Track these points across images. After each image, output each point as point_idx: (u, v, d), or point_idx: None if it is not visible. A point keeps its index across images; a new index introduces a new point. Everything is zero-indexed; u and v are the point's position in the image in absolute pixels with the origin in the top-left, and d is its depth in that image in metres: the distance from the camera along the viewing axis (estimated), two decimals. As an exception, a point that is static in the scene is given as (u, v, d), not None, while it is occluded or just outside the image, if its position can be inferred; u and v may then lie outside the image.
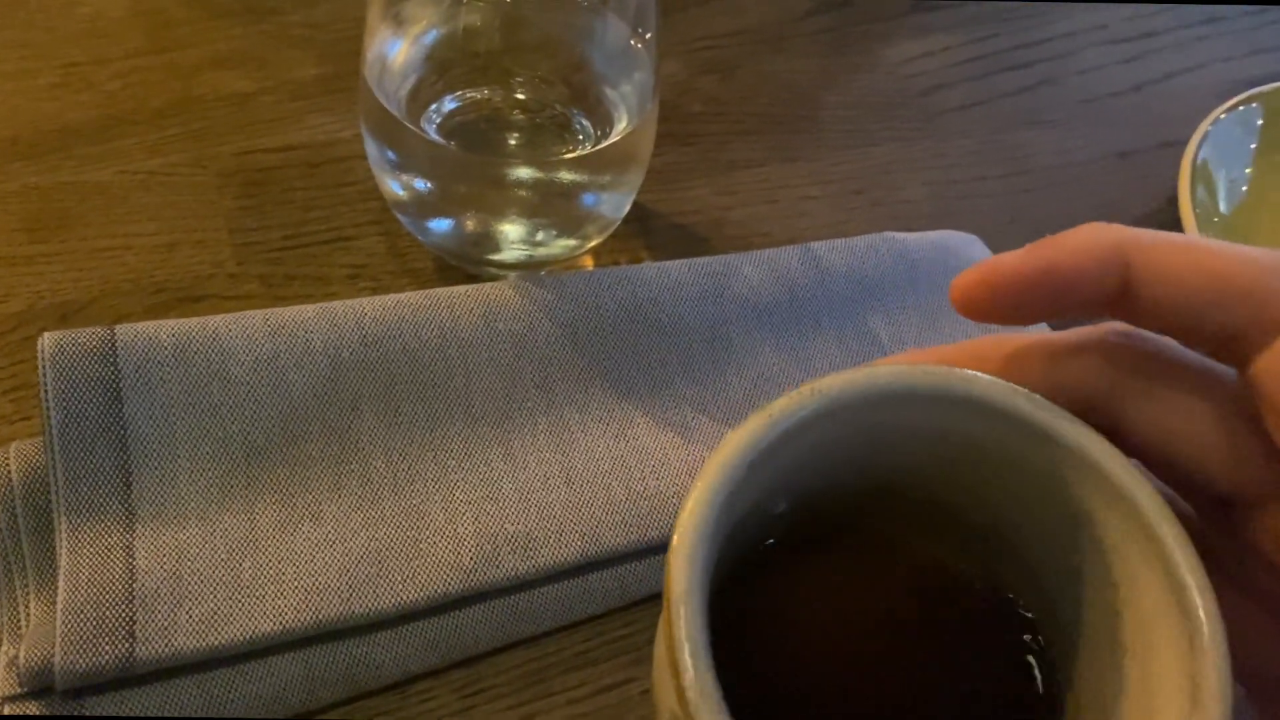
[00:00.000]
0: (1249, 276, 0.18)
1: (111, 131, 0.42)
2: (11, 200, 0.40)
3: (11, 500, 0.30)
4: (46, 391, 0.30)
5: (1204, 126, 0.44)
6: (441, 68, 0.37)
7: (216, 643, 0.28)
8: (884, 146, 0.48)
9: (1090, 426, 0.20)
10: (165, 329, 0.32)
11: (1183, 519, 0.19)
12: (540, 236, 0.38)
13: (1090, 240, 0.19)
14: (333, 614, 0.29)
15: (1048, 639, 0.22)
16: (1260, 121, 0.45)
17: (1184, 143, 0.45)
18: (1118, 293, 0.19)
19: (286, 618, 0.29)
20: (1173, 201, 0.44)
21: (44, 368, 0.30)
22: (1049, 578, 0.22)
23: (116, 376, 0.30)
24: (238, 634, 0.28)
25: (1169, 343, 0.20)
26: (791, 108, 0.49)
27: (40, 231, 0.39)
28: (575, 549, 0.32)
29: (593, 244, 0.40)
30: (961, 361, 0.21)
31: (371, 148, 0.37)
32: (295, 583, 0.29)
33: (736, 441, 0.19)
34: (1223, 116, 0.45)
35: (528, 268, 0.39)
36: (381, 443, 0.32)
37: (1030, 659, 0.22)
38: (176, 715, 0.28)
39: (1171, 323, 0.19)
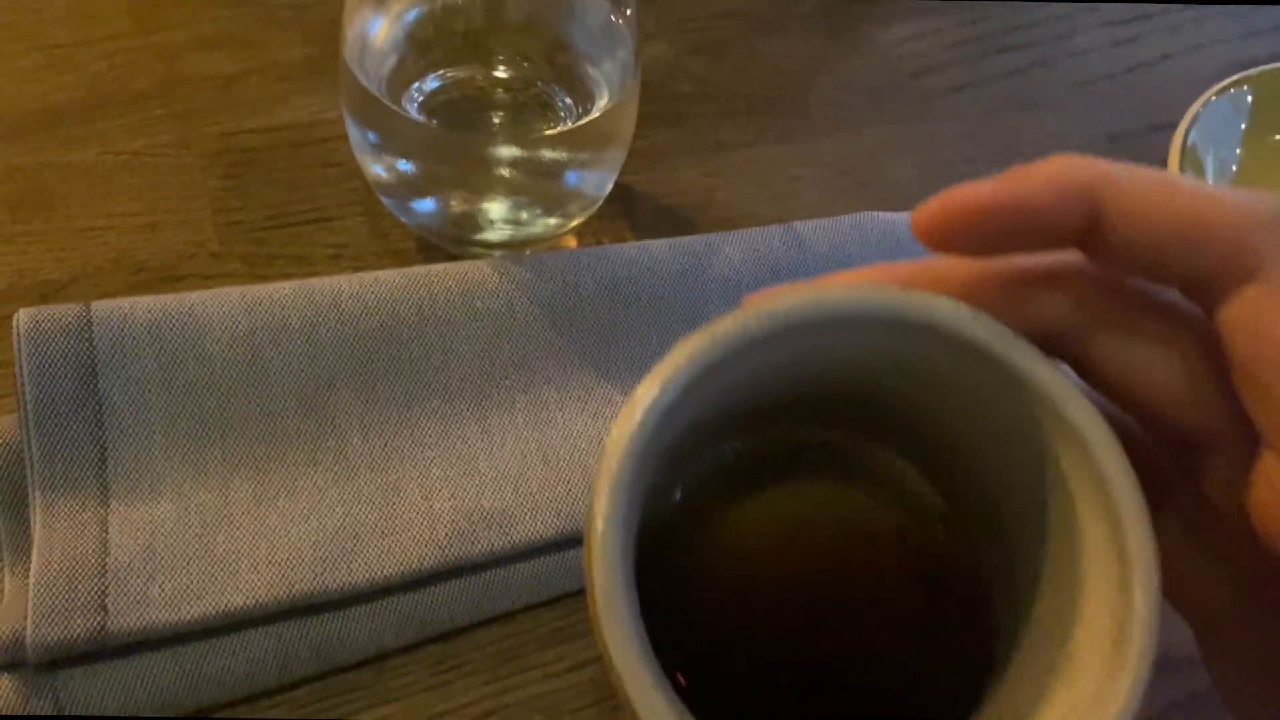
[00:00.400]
0: (1222, 220, 0.18)
1: (96, 112, 0.42)
2: (-5, 180, 0.40)
3: (-13, 475, 0.30)
4: (21, 367, 0.30)
5: (1194, 109, 0.44)
6: (423, 47, 0.37)
7: (189, 616, 0.28)
8: (874, 128, 0.48)
9: (1047, 358, 0.19)
10: (141, 305, 0.32)
11: (1142, 450, 0.19)
12: (523, 215, 0.38)
13: (1060, 174, 0.19)
14: (306, 588, 0.29)
15: (996, 569, 0.22)
16: (1250, 104, 0.45)
17: (1175, 126, 0.45)
18: (1085, 230, 0.19)
19: (260, 592, 0.29)
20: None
21: (19, 343, 0.30)
22: (998, 504, 0.22)
23: (92, 352, 0.30)
24: (210, 608, 0.28)
25: (1135, 280, 0.20)
26: (781, 89, 0.49)
27: (23, 211, 0.39)
28: (551, 526, 0.31)
29: (575, 223, 0.40)
30: (922, 281, 0.20)
31: (353, 129, 0.37)
32: (269, 557, 0.29)
33: (673, 360, 0.18)
34: (1213, 99, 0.45)
35: (511, 247, 0.39)
36: (358, 420, 0.32)
37: (978, 592, 0.22)
38: (149, 688, 0.28)
39: (1139, 263, 0.19)
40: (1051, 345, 0.20)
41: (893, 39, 0.52)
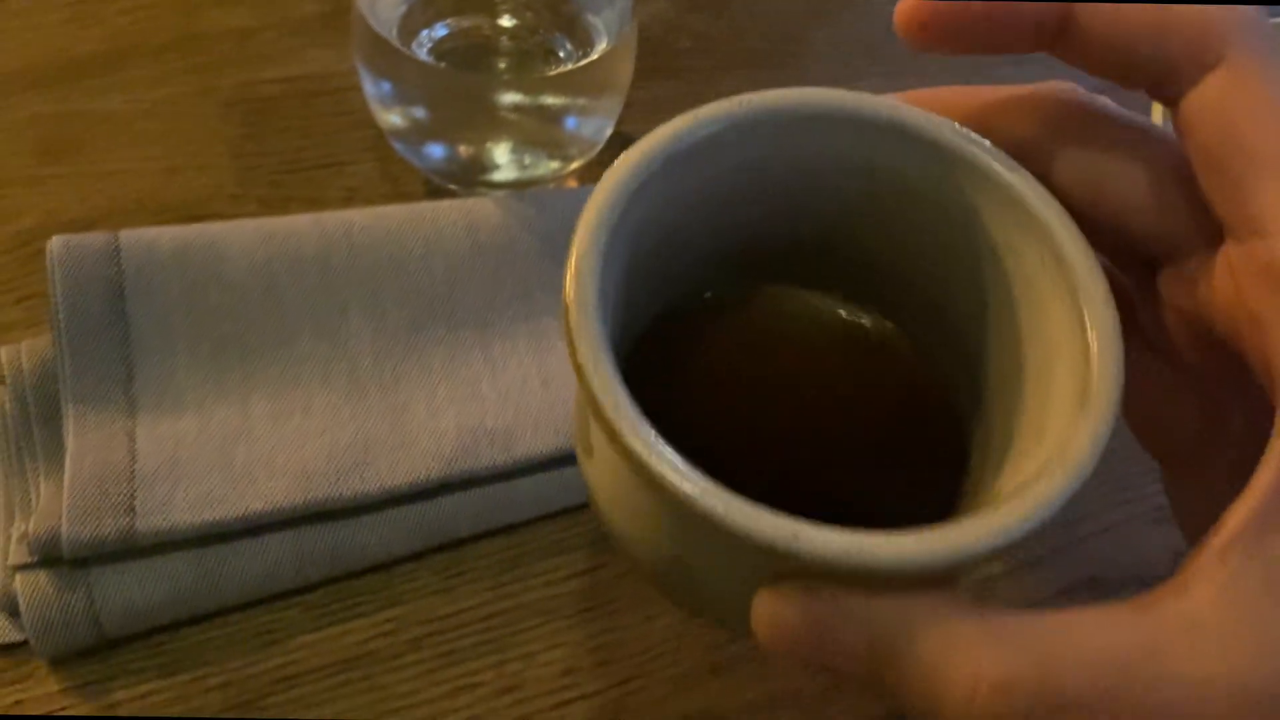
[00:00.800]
0: (1185, 11, 0.18)
1: (118, 64, 0.44)
2: (24, 126, 0.42)
3: (23, 391, 0.32)
4: (55, 290, 0.32)
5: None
6: (429, -5, 0.39)
7: (211, 519, 0.30)
8: (869, 81, 0.49)
9: (1011, 158, 0.20)
10: (166, 234, 0.34)
11: (1108, 276, 0.19)
12: (526, 159, 0.40)
13: None
14: (320, 496, 0.31)
15: (959, 381, 0.23)
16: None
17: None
18: (1058, 22, 0.19)
19: (277, 498, 0.31)
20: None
21: (52, 267, 0.32)
22: (962, 317, 0.22)
23: (120, 276, 0.32)
24: (231, 511, 0.30)
25: (1105, 101, 0.20)
26: (779, 44, 0.51)
27: (50, 155, 0.41)
28: (550, 443, 0.33)
29: (575, 166, 0.41)
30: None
31: (365, 77, 0.39)
32: (285, 467, 0.31)
33: (656, 134, 0.20)
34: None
35: (515, 188, 0.41)
36: (369, 343, 0.34)
37: (951, 409, 0.23)
38: (174, 586, 0.30)
39: (1109, 57, 0.19)
40: (1019, 159, 0.20)
41: (888, -3, 0.54)
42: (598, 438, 0.21)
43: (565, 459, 0.34)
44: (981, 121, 0.21)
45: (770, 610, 0.18)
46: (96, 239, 0.33)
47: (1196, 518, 0.21)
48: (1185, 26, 0.18)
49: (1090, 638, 0.16)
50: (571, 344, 0.18)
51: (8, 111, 0.42)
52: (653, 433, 0.18)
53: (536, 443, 0.33)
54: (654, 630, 0.32)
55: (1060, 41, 0.19)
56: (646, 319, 0.23)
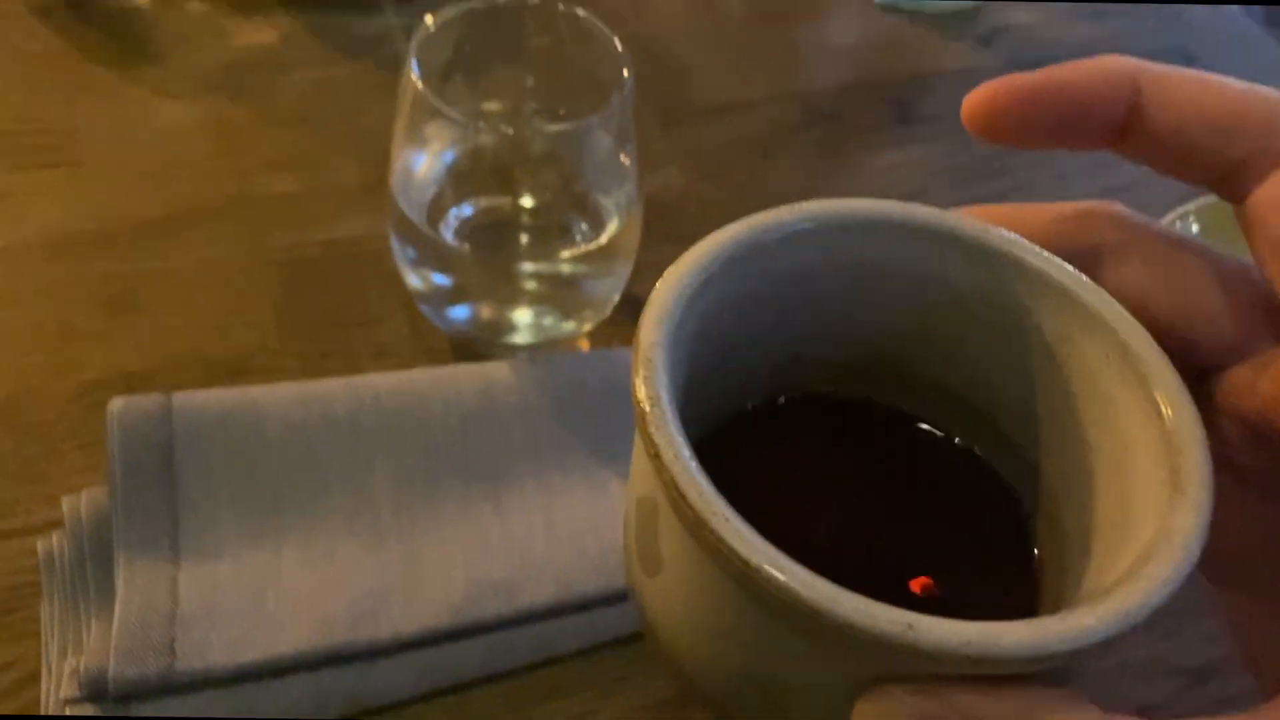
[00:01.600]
0: (1257, 109, 0.19)
1: (179, 226, 0.49)
2: (94, 283, 0.46)
3: (80, 537, 0.36)
4: (113, 447, 0.36)
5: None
6: (458, 180, 0.43)
7: (243, 661, 0.33)
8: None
9: (1063, 260, 0.20)
10: (214, 397, 0.38)
11: None
12: (544, 321, 0.44)
13: (1104, 64, 0.19)
14: (339, 641, 0.34)
15: (1017, 480, 0.23)
16: (1197, 234, 0.50)
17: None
18: (1126, 119, 0.19)
19: (301, 643, 0.34)
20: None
21: (112, 426, 0.36)
22: (1015, 420, 0.22)
23: (170, 436, 0.36)
24: (260, 655, 0.33)
25: (1147, 218, 0.21)
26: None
27: (115, 310, 0.45)
28: (551, 594, 0.36)
29: (589, 327, 0.45)
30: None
31: (396, 247, 0.43)
32: (310, 613, 0.35)
33: (712, 239, 0.20)
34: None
35: (533, 347, 0.45)
36: (390, 497, 0.38)
37: (1012, 506, 0.23)
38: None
39: (1177, 152, 0.19)
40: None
41: (883, 164, 0.58)
42: (671, 543, 0.19)
43: (564, 608, 0.37)
44: (1032, 238, 0.21)
45: (876, 718, 0.17)
46: (152, 401, 0.37)
47: (1255, 631, 0.21)
48: (1252, 123, 0.19)
49: None
50: (648, 437, 0.18)
51: (81, 269, 0.47)
52: (745, 522, 0.17)
53: (539, 594, 0.36)
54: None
55: (1127, 138, 0.20)
56: (705, 425, 0.22)
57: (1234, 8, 0.72)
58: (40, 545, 0.36)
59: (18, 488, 0.39)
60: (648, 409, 0.18)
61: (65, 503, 0.36)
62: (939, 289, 0.21)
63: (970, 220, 0.21)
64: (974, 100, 0.20)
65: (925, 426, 0.24)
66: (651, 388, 0.18)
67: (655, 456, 0.17)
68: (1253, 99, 0.19)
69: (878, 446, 0.24)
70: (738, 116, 0.59)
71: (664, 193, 0.54)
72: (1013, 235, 0.20)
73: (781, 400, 0.24)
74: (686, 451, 0.17)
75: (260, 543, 0.36)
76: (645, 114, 0.57)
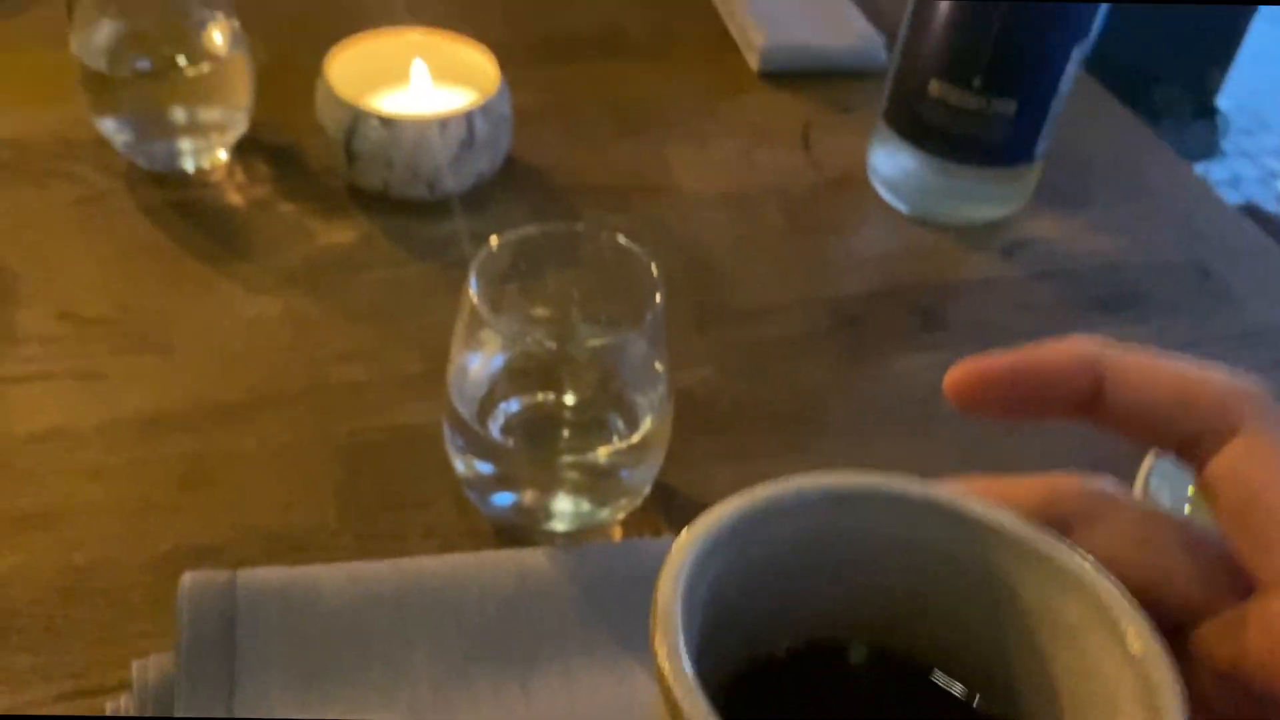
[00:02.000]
0: (1205, 392, 0.21)
1: (255, 410, 0.54)
2: (173, 460, 0.51)
3: (146, 700, 0.39)
4: (182, 618, 0.40)
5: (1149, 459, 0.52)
6: (507, 379, 0.48)
7: (282, 826, 0.36)
8: (880, 443, 0.57)
9: (1040, 526, 0.21)
10: (274, 574, 0.42)
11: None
12: (582, 509, 0.48)
13: (1070, 346, 0.22)
14: (373, 811, 0.37)
15: None
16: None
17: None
18: (1092, 395, 0.21)
19: (337, 811, 0.37)
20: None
21: (182, 599, 0.40)
22: (1009, 676, 0.23)
23: (234, 610, 0.40)
24: (299, 820, 0.36)
25: (1113, 483, 0.23)
26: (804, 407, 0.59)
27: (189, 486, 0.50)
28: (573, 775, 0.39)
29: (622, 515, 0.49)
30: None
31: (448, 436, 0.47)
32: (347, 783, 0.37)
33: (719, 508, 0.21)
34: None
35: (570, 534, 0.48)
36: (427, 674, 0.41)
37: None
38: None
39: (1138, 427, 0.22)
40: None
41: (906, 367, 0.62)
42: None
43: (584, 789, 0.39)
44: (1008, 504, 0.23)
45: None
46: (219, 578, 0.41)
47: None
48: (1203, 403, 0.21)
49: None
50: (668, 695, 0.19)
51: (162, 446, 0.52)
52: None
53: (560, 773, 0.39)
54: None
55: (1095, 410, 0.22)
56: (722, 673, 0.24)
57: (1249, 221, 0.76)
58: (109, 705, 0.39)
59: (92, 650, 0.43)
60: (665, 668, 0.19)
61: (134, 666, 0.40)
62: (929, 556, 0.23)
63: (953, 492, 0.23)
64: (955, 378, 0.23)
65: (936, 678, 0.25)
66: (669, 648, 0.19)
67: (675, 710, 0.19)
68: (1199, 382, 0.21)
69: (888, 698, 0.26)
70: (770, 319, 0.64)
71: (699, 388, 0.58)
72: (991, 505, 0.22)
73: (797, 647, 0.25)
74: (705, 706, 0.19)
75: (308, 711, 0.39)
76: (684, 314, 0.62)
